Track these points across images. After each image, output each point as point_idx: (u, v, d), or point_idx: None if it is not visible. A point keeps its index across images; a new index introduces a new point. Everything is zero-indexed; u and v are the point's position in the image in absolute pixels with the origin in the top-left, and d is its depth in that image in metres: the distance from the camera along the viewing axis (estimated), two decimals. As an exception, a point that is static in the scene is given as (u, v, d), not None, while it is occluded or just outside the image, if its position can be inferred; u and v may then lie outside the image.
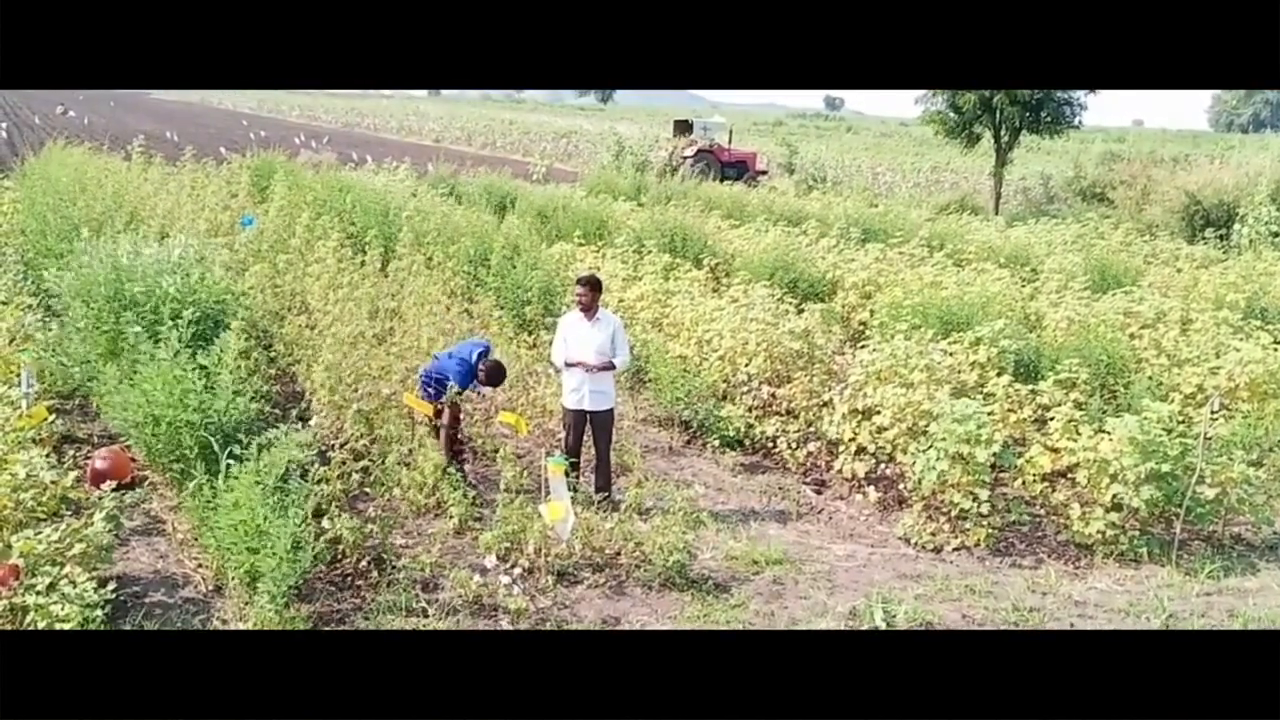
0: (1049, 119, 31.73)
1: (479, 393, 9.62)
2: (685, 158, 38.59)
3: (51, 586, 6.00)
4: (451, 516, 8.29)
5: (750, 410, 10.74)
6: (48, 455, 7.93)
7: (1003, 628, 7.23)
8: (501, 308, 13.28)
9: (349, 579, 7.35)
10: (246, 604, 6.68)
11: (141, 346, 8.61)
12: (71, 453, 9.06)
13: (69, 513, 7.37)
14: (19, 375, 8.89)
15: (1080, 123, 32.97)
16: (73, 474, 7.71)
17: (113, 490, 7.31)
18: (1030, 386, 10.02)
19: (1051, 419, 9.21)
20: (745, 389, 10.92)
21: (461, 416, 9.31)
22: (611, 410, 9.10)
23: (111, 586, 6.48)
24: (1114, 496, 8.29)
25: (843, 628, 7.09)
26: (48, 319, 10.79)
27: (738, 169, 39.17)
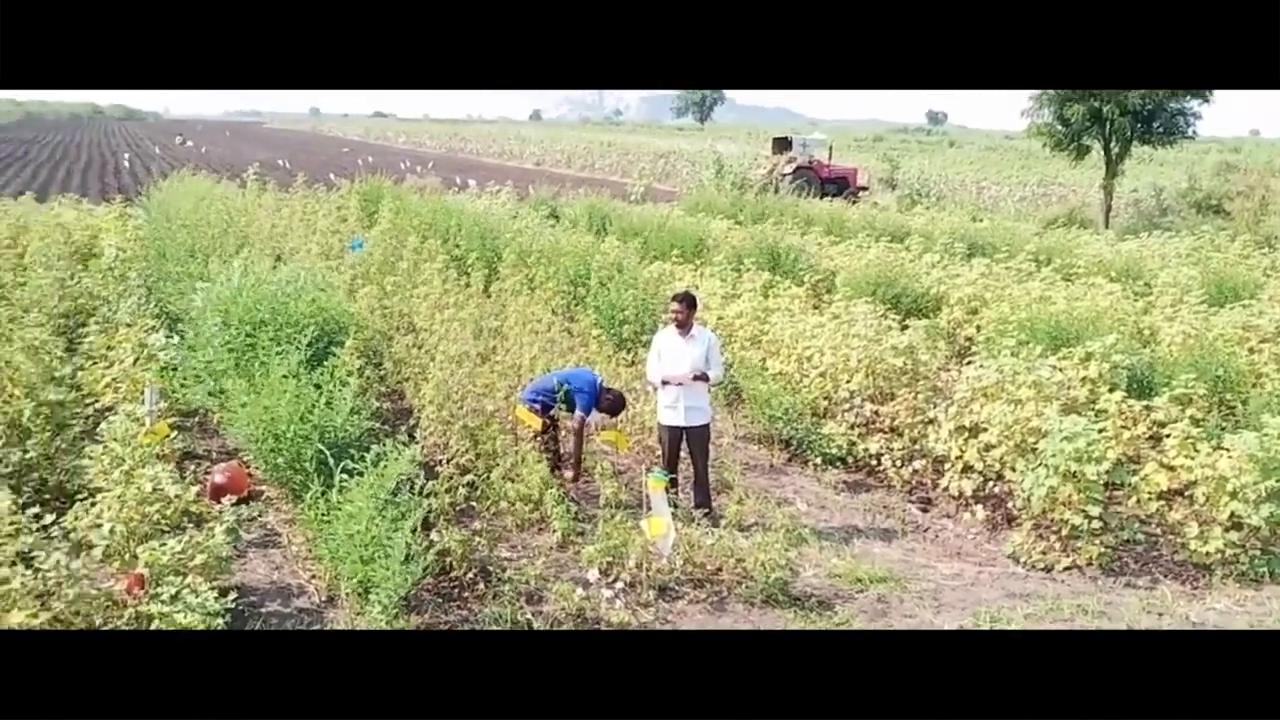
0: (1161, 129, 30.88)
1: (589, 424, 9.80)
2: (784, 174, 38.53)
3: (175, 596, 6.24)
4: (555, 530, 8.39)
5: (852, 428, 10.64)
6: (171, 470, 8.26)
7: (1009, 628, 7.08)
8: (600, 326, 13.40)
9: (456, 590, 7.49)
10: (359, 614, 6.86)
11: (272, 362, 8.92)
12: (192, 468, 9.42)
13: (190, 525, 7.65)
14: (143, 393, 9.28)
15: (1194, 133, 31.99)
16: (194, 489, 8.02)
17: (231, 504, 7.58)
18: (1145, 403, 9.74)
19: (1167, 436, 8.93)
20: (847, 406, 10.82)
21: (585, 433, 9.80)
22: (708, 425, 9.12)
23: (231, 596, 6.71)
24: (1233, 514, 8.00)
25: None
26: (170, 339, 11.24)
27: (838, 185, 38.98)
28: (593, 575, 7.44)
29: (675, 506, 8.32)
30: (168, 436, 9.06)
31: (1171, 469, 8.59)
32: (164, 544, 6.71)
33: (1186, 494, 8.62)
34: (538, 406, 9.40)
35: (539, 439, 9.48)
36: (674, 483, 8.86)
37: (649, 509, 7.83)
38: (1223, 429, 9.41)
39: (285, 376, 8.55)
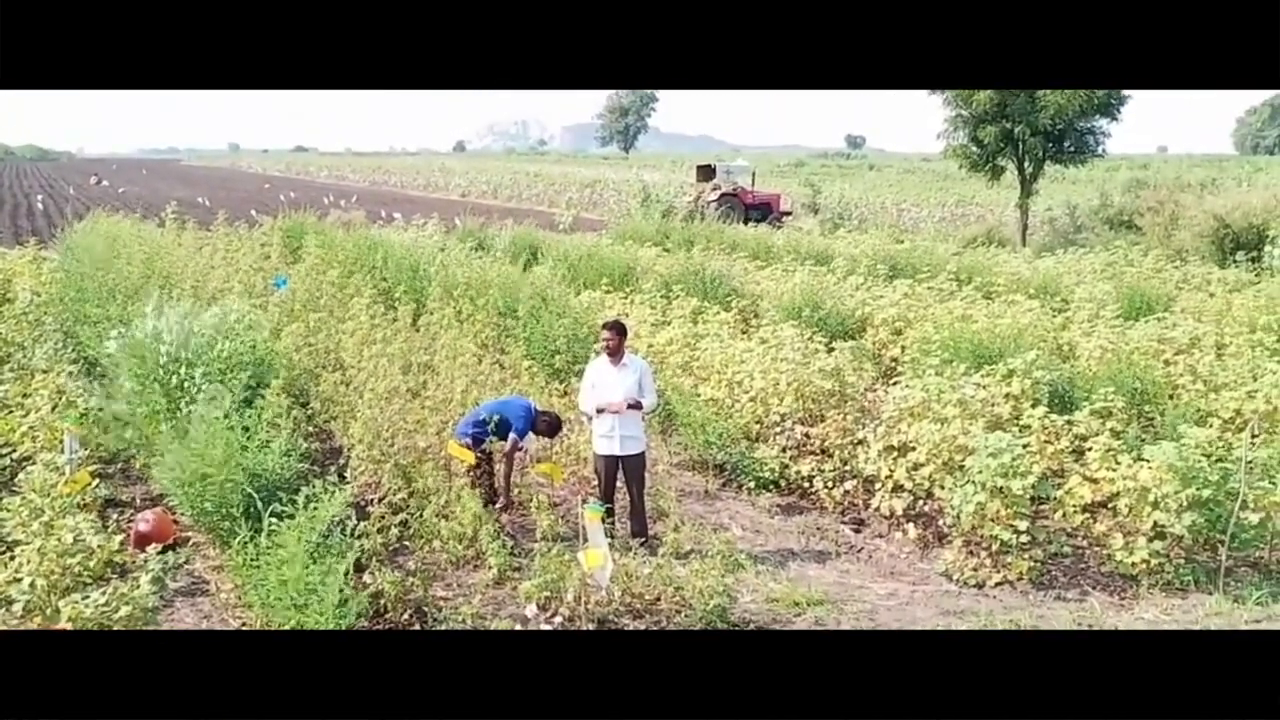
0: (1072, 148, 31.74)
1: (522, 448, 9.76)
2: (710, 202, 38.92)
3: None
4: (491, 567, 8.32)
5: (784, 451, 10.72)
6: (93, 520, 8.04)
7: (998, 628, 7.18)
8: (531, 357, 13.36)
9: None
10: (291, 661, 6.72)
11: (199, 405, 8.75)
12: (115, 516, 9.17)
13: (115, 576, 7.45)
14: (62, 441, 9.04)
15: (1104, 151, 32.93)
16: (117, 538, 7.82)
17: (157, 553, 7.40)
18: (1066, 417, 9.96)
19: (1089, 449, 9.14)
20: (778, 429, 10.91)
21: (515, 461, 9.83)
22: (643, 454, 9.14)
23: (159, 647, 6.52)
24: (1156, 524, 8.20)
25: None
26: (89, 385, 10.96)
27: (762, 211, 39.49)
28: (530, 611, 7.40)
29: (612, 537, 8.30)
30: (89, 485, 8.83)
31: (1094, 481, 8.79)
32: (87, 597, 6.52)
33: (1110, 506, 8.82)
34: (468, 441, 9.32)
35: (472, 474, 9.41)
36: (610, 512, 8.84)
37: (585, 540, 7.80)
38: (1142, 440, 9.65)
39: (218, 419, 8.38)
